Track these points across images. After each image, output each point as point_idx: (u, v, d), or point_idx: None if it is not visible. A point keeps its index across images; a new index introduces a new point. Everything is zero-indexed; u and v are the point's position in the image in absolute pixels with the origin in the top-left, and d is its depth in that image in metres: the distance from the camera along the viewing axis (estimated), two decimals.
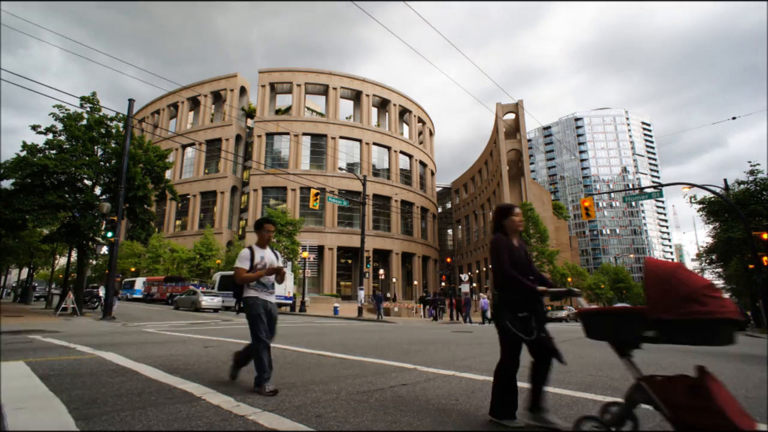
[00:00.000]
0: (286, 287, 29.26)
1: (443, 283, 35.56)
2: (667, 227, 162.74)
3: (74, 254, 25.94)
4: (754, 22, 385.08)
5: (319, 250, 52.22)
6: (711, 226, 28.48)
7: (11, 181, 17.22)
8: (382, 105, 67.35)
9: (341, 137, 59.31)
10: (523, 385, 3.06)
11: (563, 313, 39.99)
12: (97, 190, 19.62)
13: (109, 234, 15.88)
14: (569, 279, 51.90)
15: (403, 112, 69.12)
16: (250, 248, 4.29)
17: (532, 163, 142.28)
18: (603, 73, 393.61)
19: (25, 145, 17.53)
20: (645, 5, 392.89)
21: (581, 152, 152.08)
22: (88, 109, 19.03)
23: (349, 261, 60.16)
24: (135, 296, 41.62)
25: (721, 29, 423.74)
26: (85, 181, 18.72)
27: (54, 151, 17.73)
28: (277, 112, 65.06)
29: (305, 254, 34.45)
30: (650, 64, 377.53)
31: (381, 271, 54.12)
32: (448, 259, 33.70)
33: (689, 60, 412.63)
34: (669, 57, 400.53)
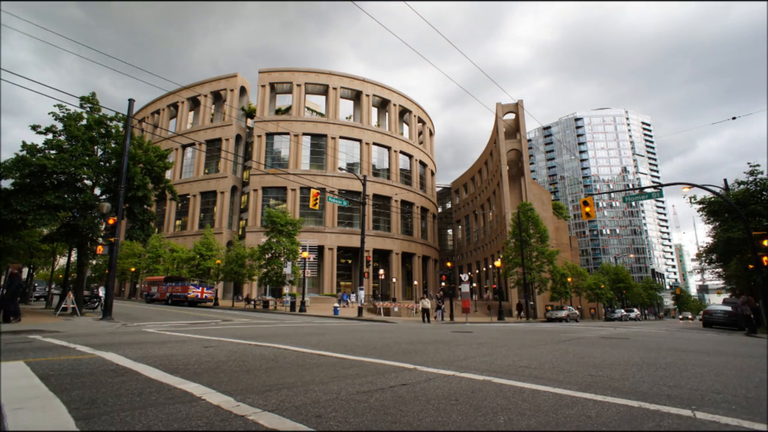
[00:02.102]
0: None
1: (443, 283, 35.53)
2: (667, 227, 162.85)
3: (74, 254, 25.95)
4: (720, 26, 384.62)
5: (319, 250, 52.24)
6: (711, 226, 28.51)
7: (11, 181, 17.22)
8: (382, 105, 67.36)
9: (341, 137, 59.32)
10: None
11: (563, 314, 40.01)
12: (97, 191, 19.62)
13: (110, 239, 15.86)
14: (569, 279, 51.86)
15: (403, 112, 69.13)
16: None
17: (532, 163, 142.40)
18: (569, 75, 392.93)
19: (24, 145, 17.53)
20: (608, 9, 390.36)
21: (581, 152, 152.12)
22: (88, 109, 19.04)
23: (349, 261, 60.18)
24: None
25: (686, 34, 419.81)
26: (85, 181, 18.72)
27: (54, 151, 17.73)
28: (277, 112, 65.05)
29: (305, 254, 34.43)
30: (614, 68, 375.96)
31: (381, 271, 54.13)
32: (449, 263, 33.63)
33: (655, 63, 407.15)
34: (634, 60, 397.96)
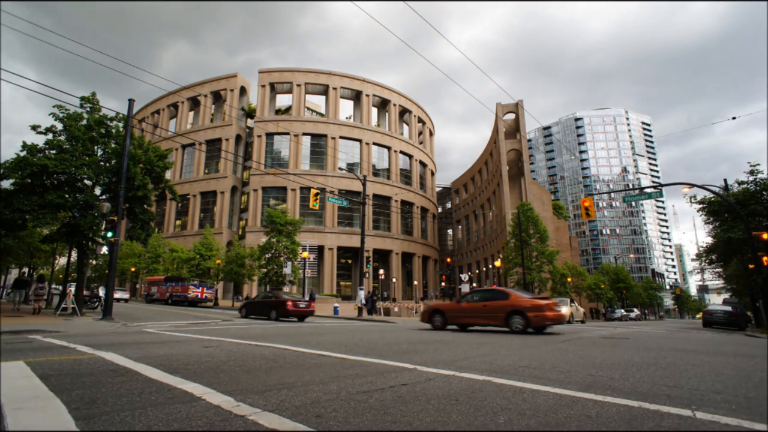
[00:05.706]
0: None
1: (443, 283, 35.52)
2: (667, 227, 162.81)
3: (74, 254, 25.94)
4: (670, 33, 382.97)
5: (319, 250, 52.23)
6: (711, 226, 28.49)
7: (11, 181, 17.23)
8: (382, 105, 67.37)
9: (341, 137, 59.34)
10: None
11: None
12: (97, 190, 19.63)
13: (109, 234, 15.88)
14: (569, 279, 51.82)
15: (403, 112, 69.14)
16: None
17: (532, 163, 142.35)
18: (520, 79, 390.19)
19: (25, 145, 17.54)
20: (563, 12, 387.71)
21: (581, 152, 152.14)
22: (88, 109, 19.04)
23: (349, 261, 60.17)
24: None
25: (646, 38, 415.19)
26: (85, 181, 18.73)
27: (54, 151, 17.74)
28: (277, 112, 65.07)
29: (305, 254, 34.44)
30: (569, 74, 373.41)
31: (381, 271, 54.10)
32: (448, 259, 33.59)
33: (609, 71, 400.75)
34: (587, 66, 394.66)
